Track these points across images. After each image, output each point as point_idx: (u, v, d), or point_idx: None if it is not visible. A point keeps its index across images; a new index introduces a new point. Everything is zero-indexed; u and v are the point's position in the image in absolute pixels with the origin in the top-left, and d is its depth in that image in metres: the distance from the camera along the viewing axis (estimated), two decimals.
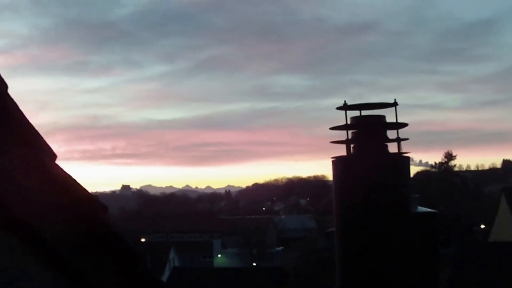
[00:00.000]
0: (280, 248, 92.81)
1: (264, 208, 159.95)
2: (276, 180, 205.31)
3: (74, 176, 3.91)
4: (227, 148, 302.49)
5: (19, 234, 3.49)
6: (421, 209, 7.25)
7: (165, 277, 60.75)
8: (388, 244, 6.86)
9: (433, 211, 7.27)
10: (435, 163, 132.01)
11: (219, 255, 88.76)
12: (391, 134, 7.26)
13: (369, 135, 7.20)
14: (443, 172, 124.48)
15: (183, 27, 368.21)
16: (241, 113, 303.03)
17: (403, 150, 7.23)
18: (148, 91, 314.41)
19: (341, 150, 7.30)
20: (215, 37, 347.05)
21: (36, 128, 3.85)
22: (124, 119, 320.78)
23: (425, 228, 7.03)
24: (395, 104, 7.13)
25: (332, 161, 7.17)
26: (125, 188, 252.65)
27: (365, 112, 7.30)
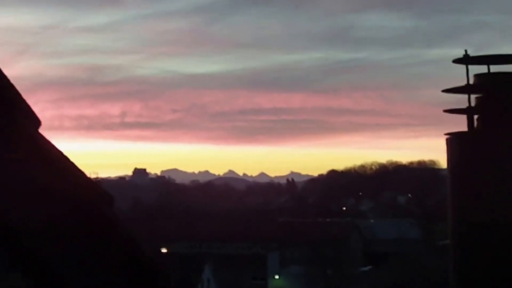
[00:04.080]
0: (368, 267, 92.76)
1: (344, 208, 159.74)
2: (362, 166, 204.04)
3: (64, 153, 3.98)
4: (290, 118, 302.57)
5: None
6: None
7: None
8: None
9: None
10: None
11: (276, 276, 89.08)
12: None
13: (502, 101, 7.12)
14: None
15: None
16: (310, 66, 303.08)
17: None
18: (175, 32, 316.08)
19: (460, 124, 7.25)
20: None
21: (12, 82, 3.92)
22: (140, 71, 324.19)
23: None
24: None
25: (447, 139, 7.12)
26: (140, 172, 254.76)
27: (494, 68, 7.22)
